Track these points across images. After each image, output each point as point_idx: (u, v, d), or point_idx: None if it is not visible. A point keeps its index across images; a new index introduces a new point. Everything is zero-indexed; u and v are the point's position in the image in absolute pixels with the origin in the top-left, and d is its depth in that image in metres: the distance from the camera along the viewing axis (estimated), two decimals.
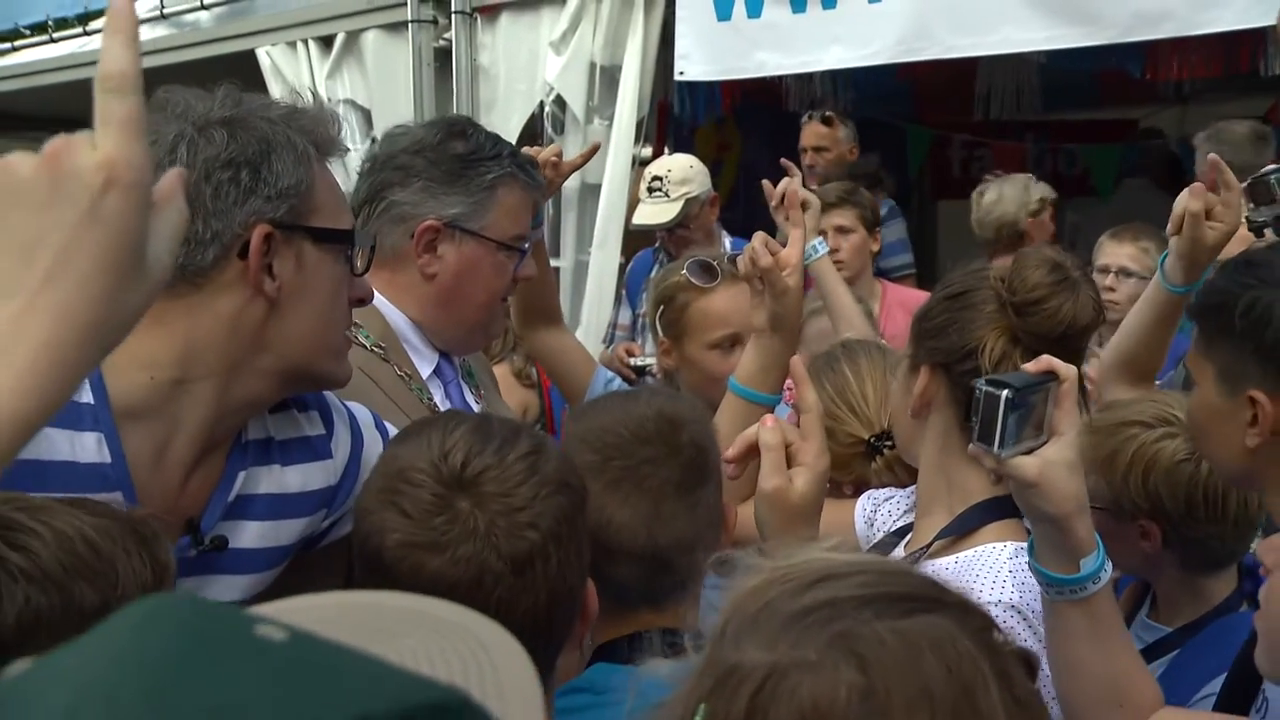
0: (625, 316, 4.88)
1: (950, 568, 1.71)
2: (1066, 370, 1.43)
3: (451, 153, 2.00)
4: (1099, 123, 8.21)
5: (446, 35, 5.35)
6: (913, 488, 2.04)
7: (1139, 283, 4.03)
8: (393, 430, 1.78)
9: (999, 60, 5.76)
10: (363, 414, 1.77)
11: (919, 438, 1.81)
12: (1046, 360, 1.44)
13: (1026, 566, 1.51)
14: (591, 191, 5.04)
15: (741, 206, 6.30)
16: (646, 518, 1.50)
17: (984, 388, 1.38)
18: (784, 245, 2.06)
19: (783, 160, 2.96)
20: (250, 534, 1.57)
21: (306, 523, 1.66)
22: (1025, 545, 1.54)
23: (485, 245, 2.02)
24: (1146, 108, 7.66)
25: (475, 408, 2.11)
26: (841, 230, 4.26)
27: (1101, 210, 6.84)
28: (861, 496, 2.13)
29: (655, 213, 4.51)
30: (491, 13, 5.29)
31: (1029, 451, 1.40)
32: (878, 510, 2.08)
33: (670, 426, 1.56)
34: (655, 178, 4.53)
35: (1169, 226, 2.15)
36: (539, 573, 1.25)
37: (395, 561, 1.25)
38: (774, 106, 5.89)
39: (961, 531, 1.75)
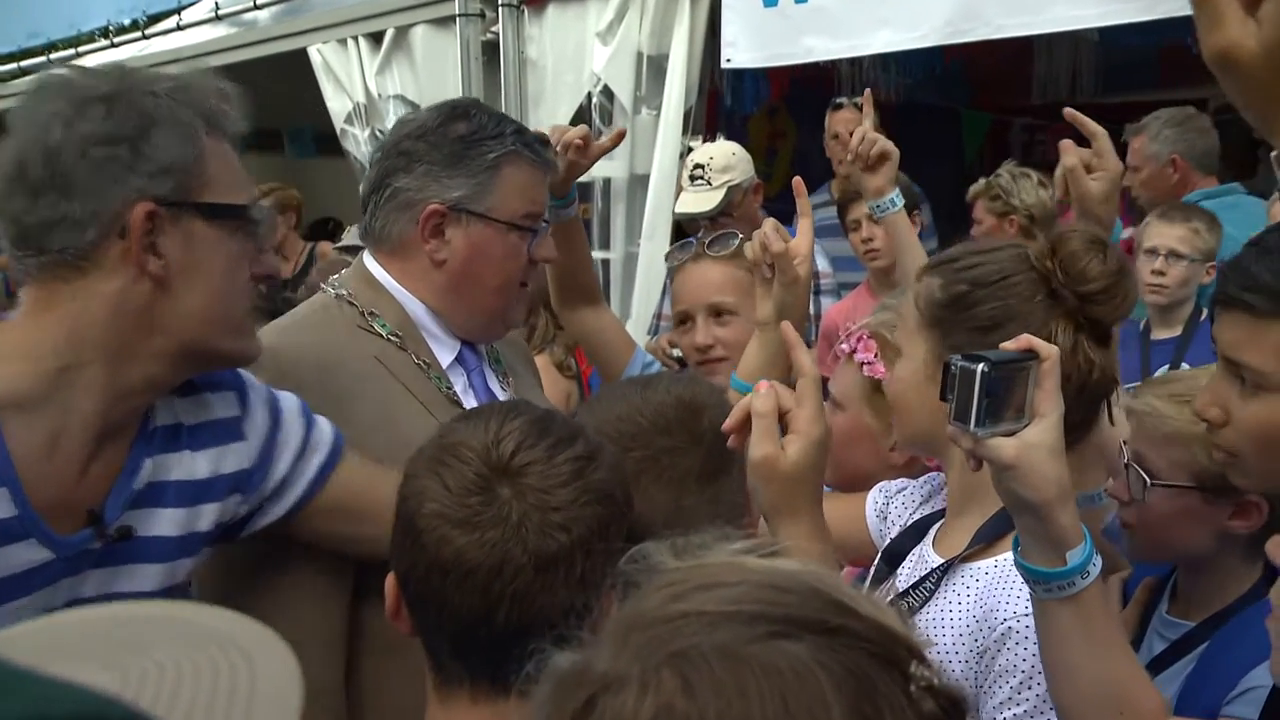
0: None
1: (990, 572, 1.65)
2: (1048, 349, 1.35)
3: (453, 135, 1.94)
4: (1164, 103, 8.01)
5: (494, 28, 5.36)
6: (925, 478, 1.99)
7: (1190, 265, 3.93)
8: (367, 420, 1.80)
9: (1055, 40, 5.65)
10: (289, 401, 1.76)
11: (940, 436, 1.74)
12: (1026, 339, 1.36)
13: None
14: (640, 183, 5.02)
15: None
16: (666, 511, 1.47)
17: (959, 363, 1.31)
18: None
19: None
20: (163, 522, 1.55)
21: (219, 507, 1.64)
22: None
23: (494, 227, 1.96)
24: (1213, 86, 7.43)
25: (501, 395, 2.06)
26: None
27: None
28: (873, 489, 2.07)
29: (697, 201, 4.48)
30: (538, 4, 5.29)
31: (1009, 435, 1.32)
32: (889, 503, 2.02)
33: (690, 413, 1.53)
34: (697, 165, 4.50)
35: (1056, 192, 2.18)
36: (561, 576, 1.25)
37: (425, 529, 1.26)
38: (826, 93, 5.83)
39: (996, 534, 1.68)
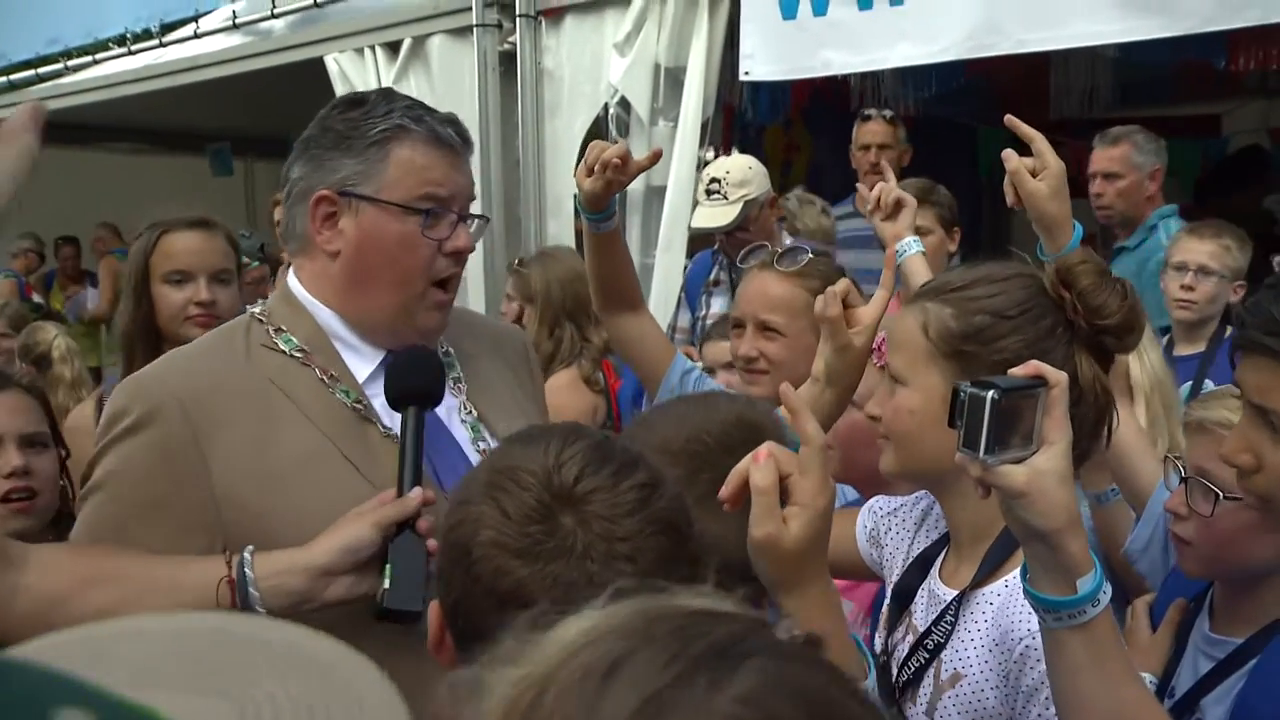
0: (685, 319, 4.85)
1: (1001, 594, 1.64)
2: (1057, 376, 1.33)
3: (344, 116, 1.82)
4: (1178, 119, 7.99)
5: (511, 39, 5.37)
6: (914, 498, 1.96)
7: (1219, 281, 3.91)
8: (237, 445, 1.73)
9: (1072, 56, 5.63)
10: None
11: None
12: (1035, 365, 1.34)
13: None
14: (656, 194, 5.02)
15: None
16: (738, 530, 1.42)
17: (969, 389, 1.29)
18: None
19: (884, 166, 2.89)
20: None
21: None
22: None
23: (386, 210, 1.78)
24: (1228, 102, 7.44)
25: (452, 402, 1.92)
26: (918, 231, 4.16)
27: None
28: (861, 510, 2.04)
29: (713, 215, 4.46)
30: (556, 15, 5.29)
31: (1017, 461, 1.30)
32: (880, 525, 1.98)
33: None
34: (713, 180, 4.48)
35: (1008, 198, 2.21)
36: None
37: (480, 559, 1.20)
38: (843, 107, 5.82)
39: (1003, 557, 1.67)
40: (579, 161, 2.34)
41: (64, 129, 8.79)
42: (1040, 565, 1.33)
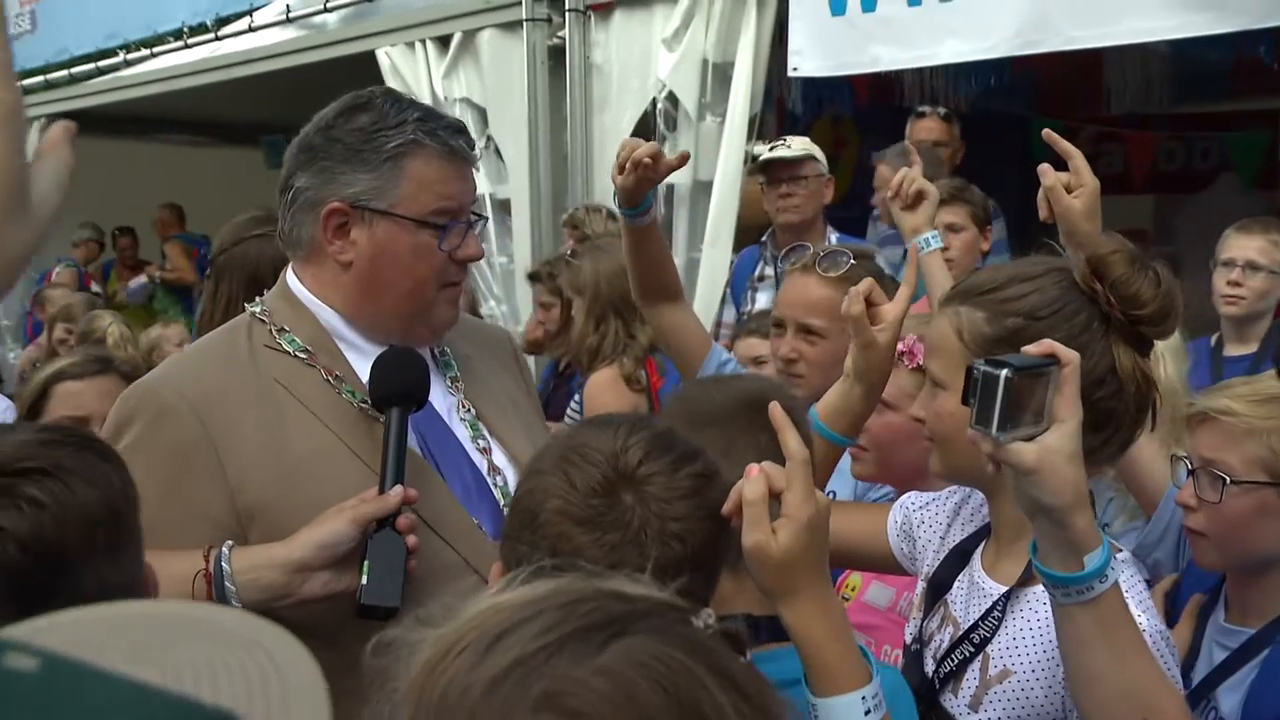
0: (730, 315, 4.86)
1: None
2: (1069, 355, 1.37)
3: (352, 127, 1.81)
4: (1235, 114, 7.87)
5: (560, 33, 5.39)
6: (947, 492, 1.97)
7: (1268, 277, 3.86)
8: (251, 448, 1.73)
9: (1126, 51, 5.57)
10: None
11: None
12: (1049, 344, 1.38)
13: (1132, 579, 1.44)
14: (703, 189, 5.02)
15: (856, 205, 6.21)
16: None
17: (982, 368, 1.34)
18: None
19: (906, 144, 2.89)
20: None
21: None
22: (1125, 557, 1.47)
23: (401, 224, 1.80)
24: None
25: (445, 402, 1.94)
26: (952, 228, 4.15)
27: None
28: (893, 507, 2.05)
29: (777, 152, 4.48)
30: (605, 10, 5.31)
31: (1028, 439, 1.35)
32: (912, 518, 1.99)
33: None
34: (774, 144, 4.55)
35: (1040, 212, 2.23)
36: (670, 586, 1.27)
37: (546, 524, 1.30)
38: (890, 103, 5.79)
39: None
40: None
41: (122, 121, 8.97)
42: (1049, 542, 1.37)
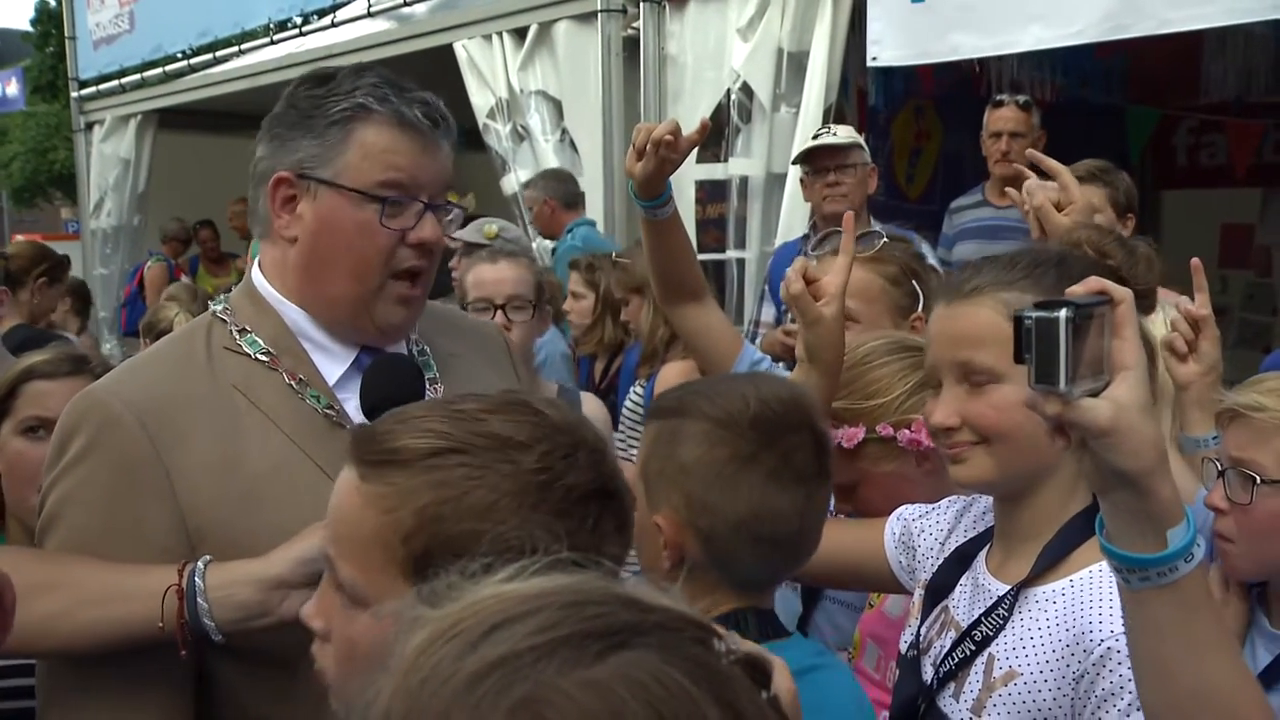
0: (769, 314, 4.67)
1: (1066, 592, 1.54)
2: (1122, 293, 1.15)
3: (308, 93, 1.68)
4: None
5: (635, 24, 5.37)
6: (947, 502, 1.87)
7: None
8: (201, 462, 1.60)
9: (1227, 35, 5.33)
10: None
11: (1049, 464, 1.59)
12: (1097, 281, 1.15)
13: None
14: (777, 181, 4.94)
15: (939, 199, 6.05)
16: (804, 503, 1.51)
17: (1033, 314, 1.09)
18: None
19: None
20: None
21: None
22: None
23: (344, 195, 1.65)
24: None
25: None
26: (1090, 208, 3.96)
27: None
28: (890, 517, 1.94)
29: (826, 139, 4.32)
30: (679, 1, 5.26)
31: (1093, 395, 1.11)
32: (910, 528, 1.90)
33: (806, 411, 1.55)
34: (819, 132, 4.39)
35: (1032, 233, 2.23)
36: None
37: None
38: (974, 93, 5.62)
39: (1063, 553, 1.57)
40: (700, 148, 2.27)
41: (212, 117, 9.16)
42: (1126, 516, 1.14)
